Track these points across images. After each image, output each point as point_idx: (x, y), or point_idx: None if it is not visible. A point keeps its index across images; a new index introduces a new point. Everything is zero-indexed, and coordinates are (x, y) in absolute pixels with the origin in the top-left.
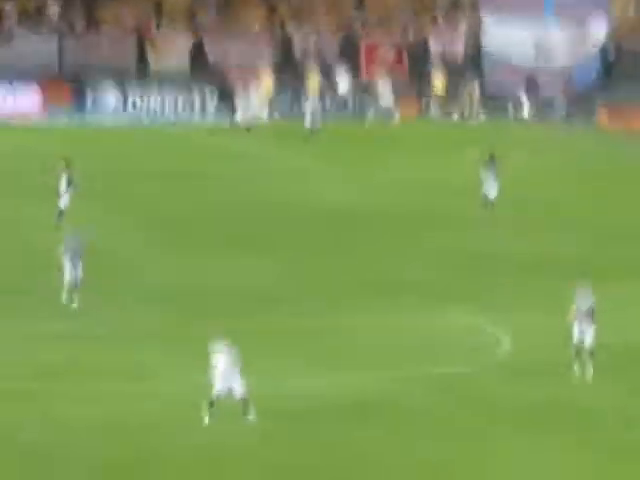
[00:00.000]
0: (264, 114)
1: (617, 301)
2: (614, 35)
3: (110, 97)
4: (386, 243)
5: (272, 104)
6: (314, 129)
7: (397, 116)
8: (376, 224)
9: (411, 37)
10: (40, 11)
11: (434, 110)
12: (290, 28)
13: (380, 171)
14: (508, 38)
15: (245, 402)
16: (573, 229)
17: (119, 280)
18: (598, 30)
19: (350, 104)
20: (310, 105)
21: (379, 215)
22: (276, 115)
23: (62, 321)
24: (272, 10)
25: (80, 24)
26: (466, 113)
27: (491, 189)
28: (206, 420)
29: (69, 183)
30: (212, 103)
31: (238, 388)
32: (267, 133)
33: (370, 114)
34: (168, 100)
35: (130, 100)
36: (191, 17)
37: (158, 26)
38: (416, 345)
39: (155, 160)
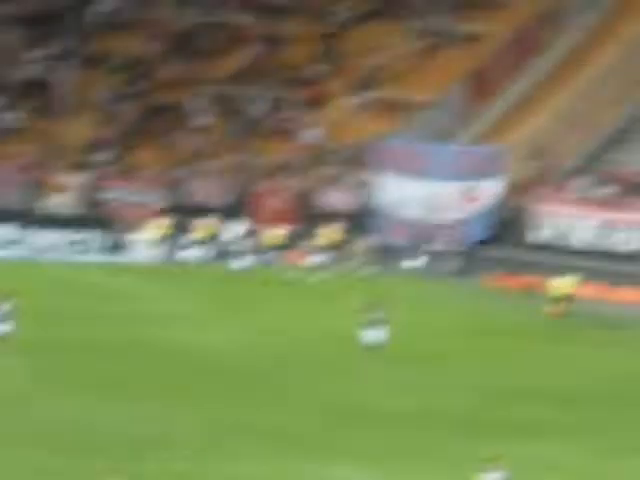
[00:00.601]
0: (155, 255)
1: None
2: (508, 195)
3: (3, 233)
4: (256, 389)
5: (161, 246)
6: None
7: (283, 264)
8: (253, 369)
9: (304, 187)
10: None
11: (320, 260)
12: (183, 171)
13: (258, 317)
14: (400, 192)
15: None
16: (459, 385)
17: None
18: (489, 189)
19: (235, 249)
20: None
21: (251, 360)
22: (165, 256)
23: None
24: (165, 153)
25: None
26: (354, 265)
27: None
28: None
29: None
30: (101, 243)
31: None
32: (155, 274)
33: (250, 261)
34: (60, 238)
35: (20, 237)
36: (84, 158)
37: (50, 165)
38: None
39: (43, 298)
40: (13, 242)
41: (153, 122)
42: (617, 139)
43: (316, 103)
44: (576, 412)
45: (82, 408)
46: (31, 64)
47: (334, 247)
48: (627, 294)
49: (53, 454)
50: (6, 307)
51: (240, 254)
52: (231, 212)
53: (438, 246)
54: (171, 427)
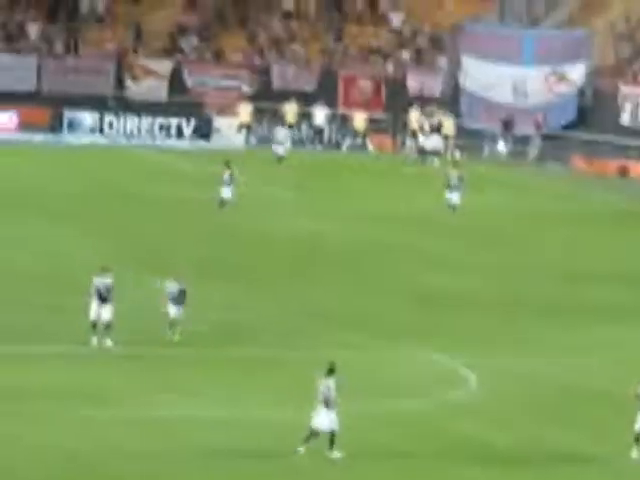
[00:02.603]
0: (241, 141)
1: (586, 344)
2: (592, 78)
3: (87, 119)
4: (349, 276)
5: (249, 131)
6: (282, 157)
7: (371, 149)
8: (342, 255)
9: (390, 72)
10: (21, 29)
11: (409, 145)
12: (269, 57)
13: (350, 202)
14: (486, 77)
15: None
16: (542, 271)
17: None
18: (576, 72)
19: (326, 134)
20: (281, 134)
21: (345, 246)
22: (253, 142)
23: None
24: (252, 39)
25: (60, 45)
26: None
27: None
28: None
29: None
30: (189, 129)
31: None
32: (243, 160)
33: (345, 145)
34: (146, 124)
35: (107, 122)
36: (171, 43)
37: (137, 51)
38: (385, 380)
39: (129, 183)
40: (102, 128)
41: (239, 7)
42: None
43: None
44: None
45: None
46: None
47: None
48: None
49: None
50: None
51: (329, 139)
52: (317, 97)
53: (524, 130)
54: (255, 314)
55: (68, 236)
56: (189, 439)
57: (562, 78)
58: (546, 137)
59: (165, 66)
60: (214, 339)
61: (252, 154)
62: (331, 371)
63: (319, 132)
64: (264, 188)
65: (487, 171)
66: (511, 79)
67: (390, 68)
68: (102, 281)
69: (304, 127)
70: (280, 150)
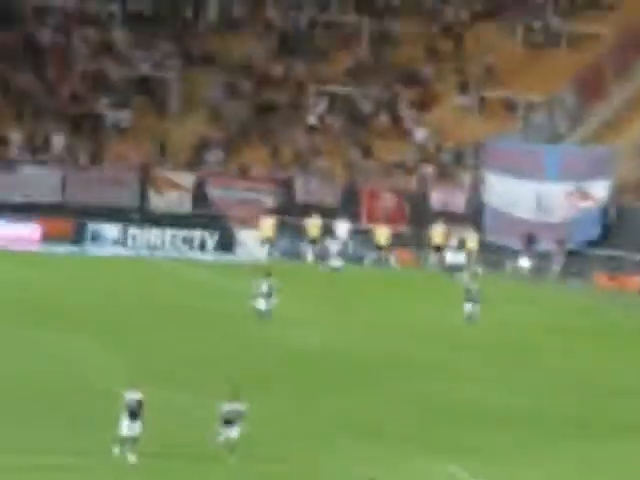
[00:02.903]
0: (264, 254)
1: (613, 461)
2: (616, 195)
3: (111, 231)
4: (371, 388)
5: (272, 245)
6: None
7: (394, 263)
8: (363, 368)
9: (413, 187)
10: (46, 141)
11: (432, 260)
12: (292, 171)
13: (372, 316)
14: (509, 192)
15: None
16: (564, 386)
17: None
18: (599, 189)
19: (349, 249)
20: (334, 247)
21: (366, 359)
22: (276, 255)
23: None
24: (275, 152)
25: (84, 158)
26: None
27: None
28: None
29: None
30: (212, 241)
31: None
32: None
33: (368, 259)
34: (169, 236)
35: (130, 234)
36: (195, 156)
37: (162, 164)
38: None
39: (153, 294)
40: (125, 240)
41: (263, 121)
42: None
43: (426, 103)
44: None
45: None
46: (141, 63)
47: (445, 247)
48: None
49: None
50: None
51: (351, 254)
52: (341, 211)
53: (546, 246)
54: (279, 426)
55: (89, 349)
56: None
57: (585, 195)
58: (569, 253)
59: (189, 179)
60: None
61: (275, 268)
62: None
63: (342, 246)
64: (289, 302)
65: (509, 286)
66: (534, 195)
67: (413, 183)
68: (132, 397)
69: (327, 241)
70: (336, 263)
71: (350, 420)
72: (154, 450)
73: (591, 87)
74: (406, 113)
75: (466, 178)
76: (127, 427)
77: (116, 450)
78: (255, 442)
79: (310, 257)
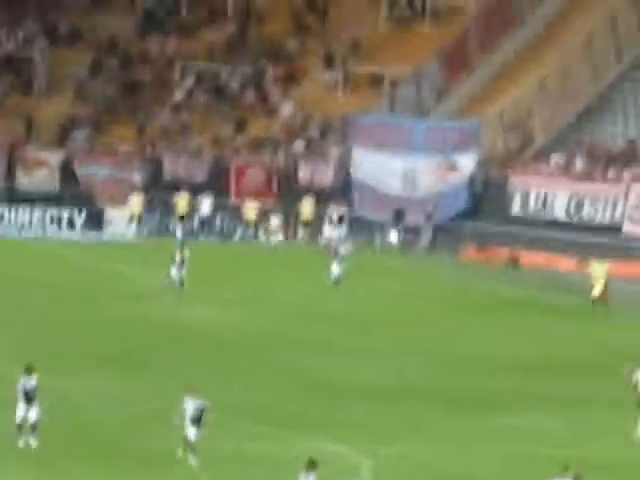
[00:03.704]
0: (132, 232)
1: (475, 432)
2: (483, 168)
3: None
4: (243, 365)
5: (140, 222)
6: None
7: (263, 238)
8: (240, 345)
9: (281, 162)
10: None
11: (301, 235)
12: (160, 148)
13: (242, 291)
14: (377, 167)
15: None
16: (432, 358)
17: None
18: (466, 162)
19: (216, 225)
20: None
21: (239, 336)
22: (144, 233)
23: None
24: (142, 129)
25: None
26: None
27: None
28: None
29: None
30: (80, 220)
31: None
32: (134, 251)
33: (236, 235)
34: (36, 215)
35: None
36: (62, 135)
37: (29, 143)
38: (276, 471)
39: (20, 273)
40: None
41: (130, 98)
42: (593, 112)
43: (293, 78)
44: (544, 383)
45: (71, 383)
46: (6, 42)
47: (313, 222)
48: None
49: None
50: None
51: (220, 229)
52: (209, 187)
53: (415, 220)
54: (166, 404)
55: None
56: None
57: (452, 168)
58: (437, 227)
59: (56, 158)
60: (118, 431)
61: (143, 245)
62: (312, 465)
63: (207, 222)
64: (157, 279)
65: (377, 260)
66: (401, 169)
67: (281, 158)
68: (29, 382)
69: (195, 218)
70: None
71: (231, 399)
72: None
73: (456, 61)
74: (273, 89)
75: (334, 153)
76: (22, 413)
77: (21, 441)
78: (136, 423)
79: (179, 233)
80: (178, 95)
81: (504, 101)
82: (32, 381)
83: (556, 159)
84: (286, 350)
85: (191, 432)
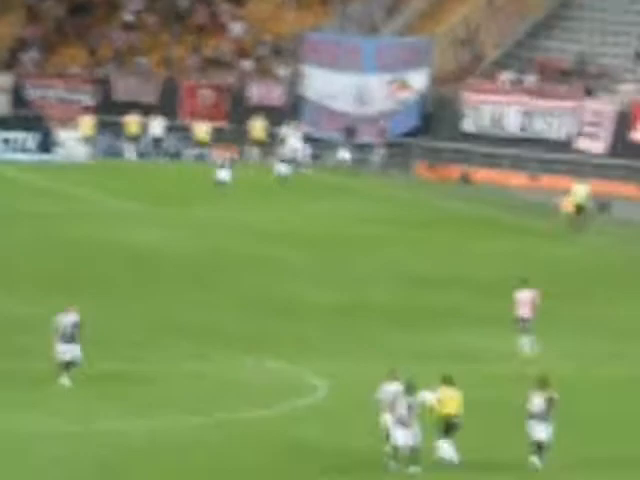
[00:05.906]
0: (83, 153)
1: (426, 350)
2: (434, 85)
3: None
4: (191, 286)
5: (92, 143)
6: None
7: (214, 158)
8: (184, 266)
9: (232, 82)
10: None
11: (252, 155)
12: (110, 69)
13: (193, 213)
14: (328, 85)
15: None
16: (385, 275)
17: None
18: (418, 79)
19: (165, 145)
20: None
21: (187, 257)
22: (96, 154)
23: None
24: (92, 51)
25: None
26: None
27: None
28: None
29: None
30: (33, 142)
31: None
32: (86, 172)
33: (186, 156)
34: None
35: None
36: (12, 57)
37: None
38: (229, 391)
39: None
40: None
41: (79, 19)
42: (543, 27)
43: None
44: (495, 301)
45: (15, 302)
46: None
47: (264, 141)
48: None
49: None
50: None
51: (171, 150)
52: (160, 108)
53: (367, 138)
54: (107, 326)
55: None
56: (34, 452)
57: (403, 85)
58: (389, 145)
59: (7, 80)
60: None
61: (95, 166)
62: (411, 389)
63: (157, 143)
64: (109, 200)
65: (330, 179)
66: (353, 87)
67: (232, 78)
68: (68, 319)
69: (145, 138)
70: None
71: (179, 319)
72: None
73: None
74: (223, 8)
75: (284, 72)
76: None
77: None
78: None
79: (131, 154)
80: (128, 16)
81: (454, 18)
82: (72, 318)
83: (507, 75)
84: (240, 270)
85: (64, 349)
